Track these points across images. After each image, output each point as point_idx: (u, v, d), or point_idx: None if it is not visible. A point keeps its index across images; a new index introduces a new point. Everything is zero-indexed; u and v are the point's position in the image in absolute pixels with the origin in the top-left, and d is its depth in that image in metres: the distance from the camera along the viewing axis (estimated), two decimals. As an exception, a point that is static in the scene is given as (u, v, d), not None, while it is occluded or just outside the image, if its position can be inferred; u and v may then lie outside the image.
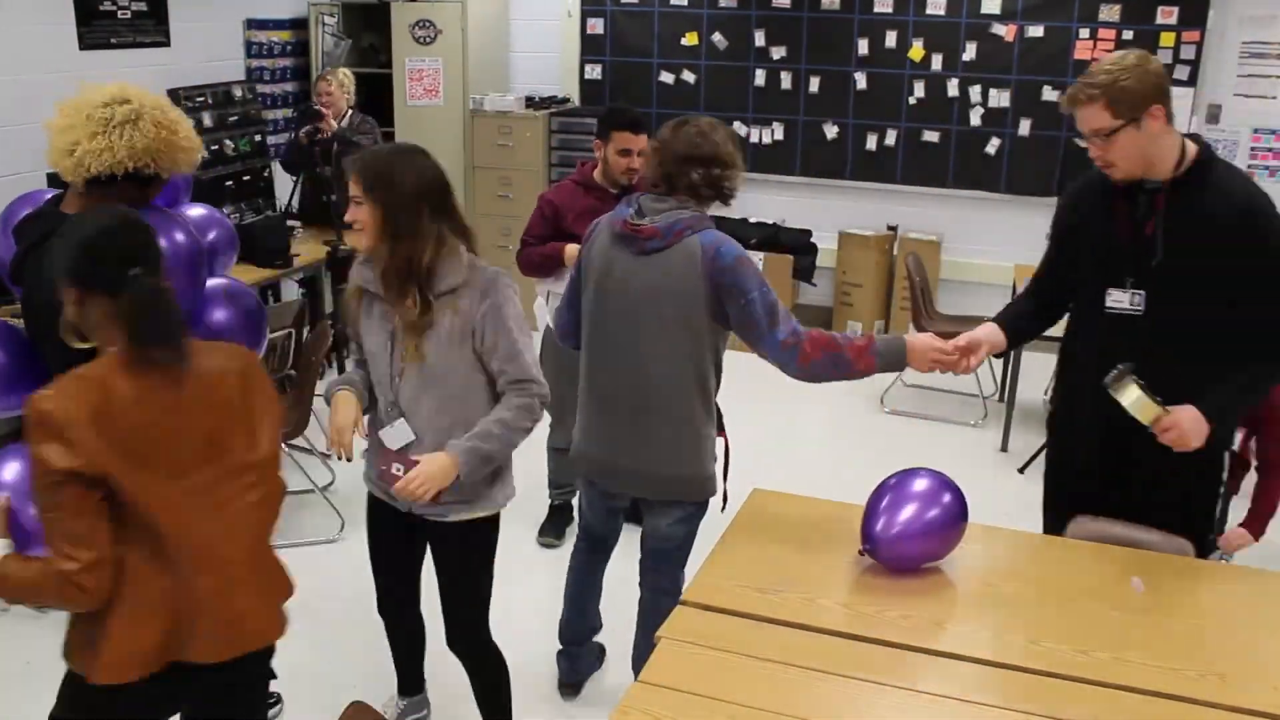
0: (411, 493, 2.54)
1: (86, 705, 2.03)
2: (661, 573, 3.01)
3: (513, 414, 2.57)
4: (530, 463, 4.56)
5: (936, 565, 2.47)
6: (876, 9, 6.47)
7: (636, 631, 3.12)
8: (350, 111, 5.91)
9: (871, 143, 6.70)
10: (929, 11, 6.39)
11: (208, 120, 5.90)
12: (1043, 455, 3.18)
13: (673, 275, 2.70)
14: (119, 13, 5.37)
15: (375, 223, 2.46)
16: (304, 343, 4.52)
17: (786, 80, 6.75)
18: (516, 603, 3.85)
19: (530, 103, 6.86)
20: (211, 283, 2.68)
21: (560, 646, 3.35)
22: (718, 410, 2.96)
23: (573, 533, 4.25)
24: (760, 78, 6.78)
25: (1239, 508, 3.51)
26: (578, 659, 3.36)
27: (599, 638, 3.45)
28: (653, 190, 2.78)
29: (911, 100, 6.56)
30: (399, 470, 2.61)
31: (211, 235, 2.76)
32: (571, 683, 3.37)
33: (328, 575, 3.98)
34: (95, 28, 5.23)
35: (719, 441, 2.98)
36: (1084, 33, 6.19)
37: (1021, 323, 2.99)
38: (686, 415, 2.82)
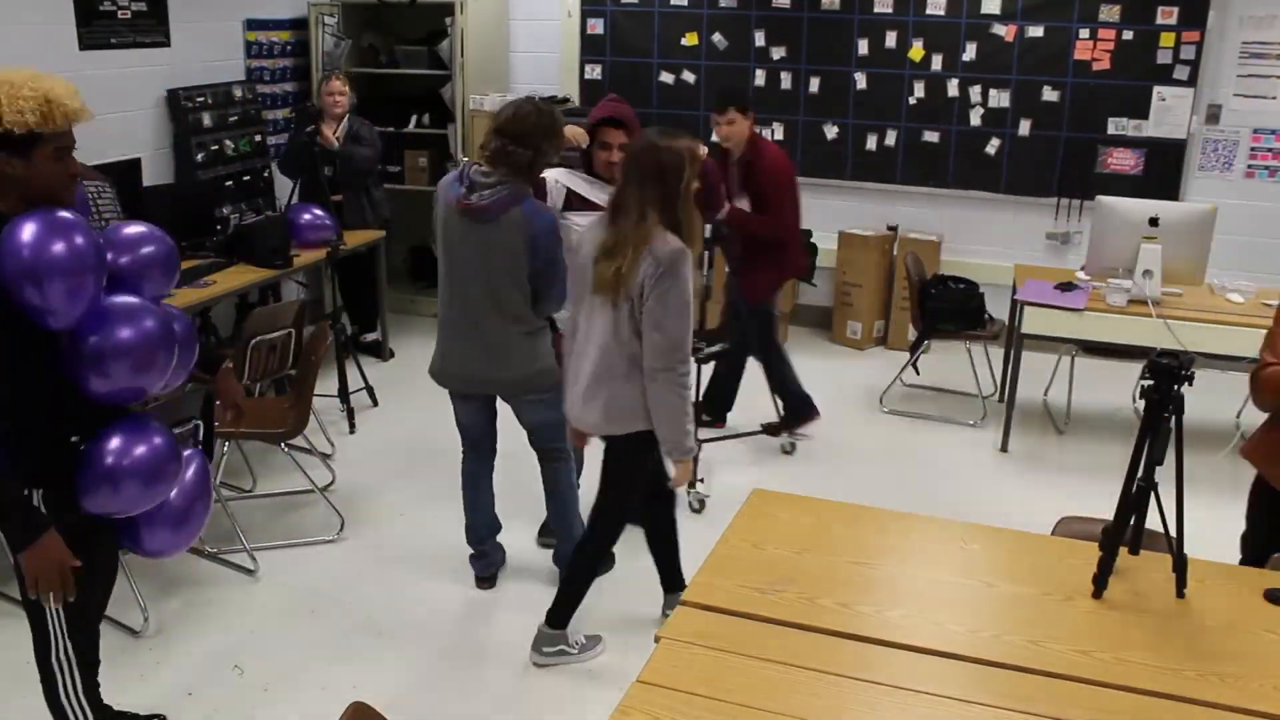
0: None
1: None
2: (544, 440, 3.76)
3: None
4: (529, 465, 4.57)
5: (936, 565, 2.47)
6: (876, 9, 6.47)
7: (546, 502, 3.92)
8: (348, 116, 5.92)
9: (871, 143, 6.70)
10: (929, 11, 6.39)
11: (208, 120, 5.90)
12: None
13: (504, 239, 3.40)
14: (119, 13, 5.37)
15: None
16: (304, 342, 4.52)
17: (786, 80, 6.75)
18: (516, 602, 3.85)
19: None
20: (115, 299, 2.51)
21: (470, 550, 3.94)
22: (551, 323, 3.69)
23: (572, 532, 4.29)
24: (760, 78, 6.79)
25: None
26: (485, 556, 3.96)
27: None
28: (483, 161, 3.43)
29: (911, 100, 6.56)
30: None
31: (140, 253, 2.53)
32: (485, 576, 3.95)
33: (328, 575, 3.98)
34: (95, 28, 5.23)
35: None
36: (1084, 33, 6.19)
37: None
38: (523, 333, 3.54)
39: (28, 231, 2.24)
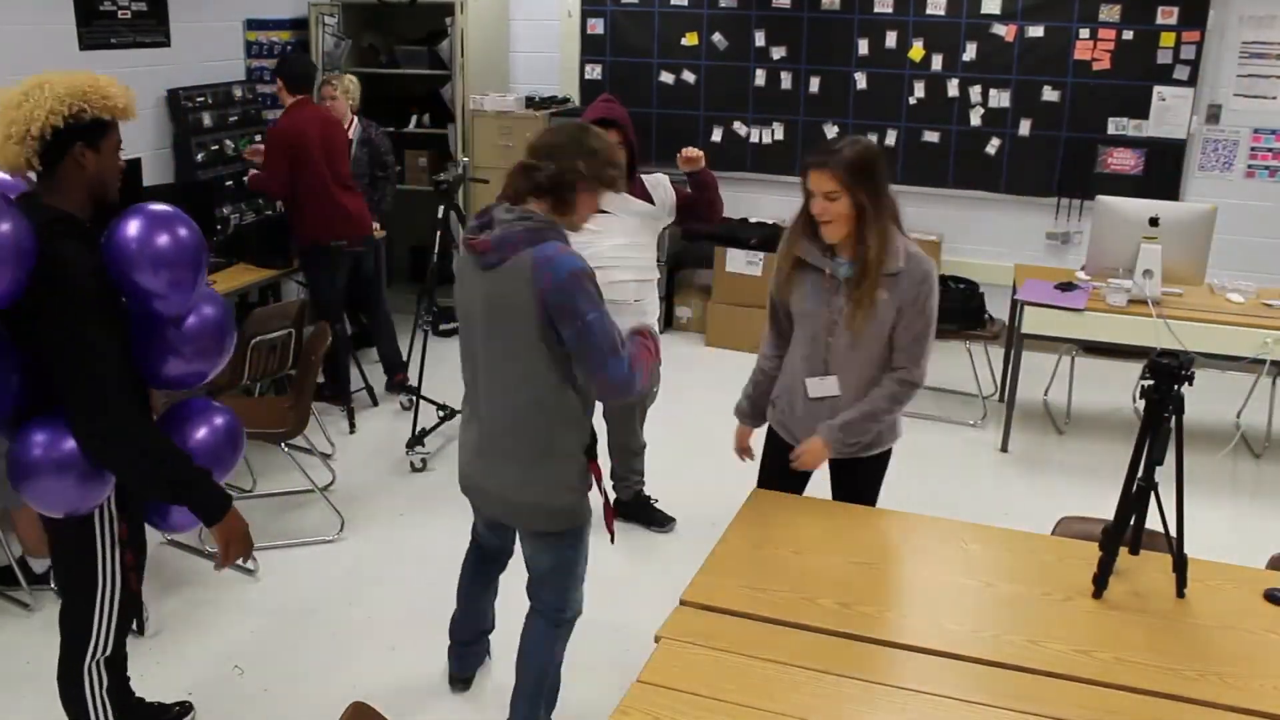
0: (804, 464, 2.92)
1: None
2: (539, 598, 2.91)
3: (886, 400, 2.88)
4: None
5: (936, 565, 2.47)
6: (876, 9, 6.47)
7: (519, 652, 2.98)
8: (355, 119, 5.92)
9: (871, 143, 6.69)
10: (929, 11, 6.39)
11: (208, 120, 5.90)
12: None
13: (507, 293, 2.51)
14: (119, 13, 5.37)
15: (850, 215, 2.78)
16: (304, 341, 4.51)
17: (786, 80, 6.75)
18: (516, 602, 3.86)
19: (530, 103, 6.86)
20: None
21: (450, 642, 3.32)
22: (592, 434, 2.74)
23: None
24: (760, 78, 6.79)
25: None
26: (465, 656, 3.32)
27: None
28: (507, 199, 2.62)
29: (911, 100, 6.56)
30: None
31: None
32: (463, 677, 3.34)
33: (328, 575, 3.98)
34: (95, 28, 5.23)
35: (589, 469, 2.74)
36: (1084, 33, 6.19)
37: None
38: (542, 442, 2.64)
39: (137, 226, 2.34)
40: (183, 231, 2.38)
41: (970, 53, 6.39)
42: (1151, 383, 2.40)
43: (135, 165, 5.25)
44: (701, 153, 3.92)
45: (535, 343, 2.52)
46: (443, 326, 5.28)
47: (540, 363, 2.55)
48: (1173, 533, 2.43)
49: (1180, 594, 2.39)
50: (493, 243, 2.52)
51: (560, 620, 2.89)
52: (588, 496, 2.75)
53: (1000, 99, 6.41)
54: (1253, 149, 6.16)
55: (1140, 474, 2.43)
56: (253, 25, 6.37)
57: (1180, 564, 2.40)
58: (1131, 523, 2.48)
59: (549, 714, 3.02)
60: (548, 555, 2.80)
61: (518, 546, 2.95)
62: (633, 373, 2.54)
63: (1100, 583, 2.39)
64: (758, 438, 3.21)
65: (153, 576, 3.87)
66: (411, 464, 4.87)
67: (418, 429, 4.95)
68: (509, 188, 2.61)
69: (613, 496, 3.47)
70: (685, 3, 6.78)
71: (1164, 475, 2.40)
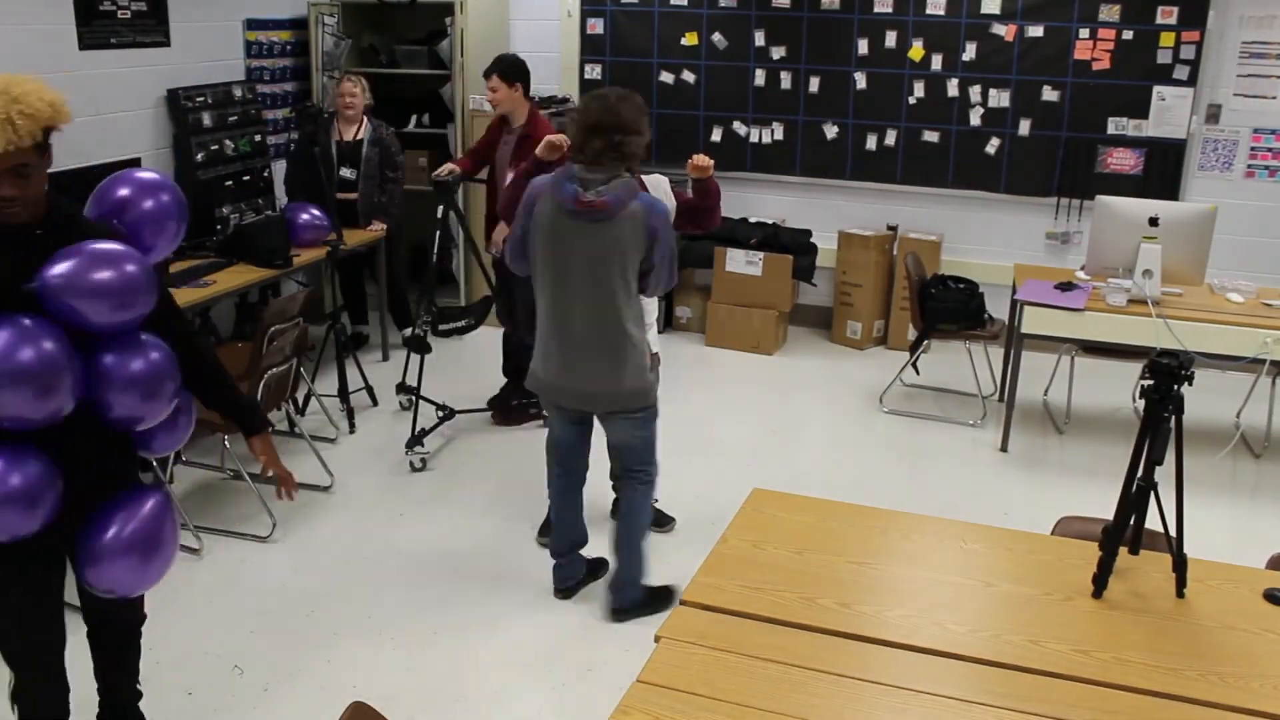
0: None
1: None
2: (636, 469, 3.64)
3: None
4: (530, 465, 4.57)
5: (936, 565, 2.47)
6: (876, 9, 6.47)
7: (617, 524, 3.75)
8: (366, 118, 5.94)
9: (871, 143, 6.70)
10: (929, 11, 6.39)
11: (208, 120, 5.90)
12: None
13: (623, 236, 3.30)
14: (119, 13, 5.37)
15: None
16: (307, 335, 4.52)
17: (786, 80, 6.75)
18: (517, 603, 3.86)
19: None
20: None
21: (553, 561, 3.88)
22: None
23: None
24: (760, 78, 6.79)
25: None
26: (566, 568, 3.87)
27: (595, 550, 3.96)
28: (579, 161, 3.33)
29: (911, 100, 6.56)
30: None
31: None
32: (563, 588, 3.87)
33: (327, 575, 3.98)
34: (95, 28, 5.23)
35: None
36: (1084, 33, 6.19)
37: None
38: (625, 340, 3.42)
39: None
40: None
41: (970, 53, 6.39)
42: (1151, 383, 2.40)
43: (135, 165, 5.25)
44: (711, 161, 3.95)
45: (632, 267, 3.35)
46: (442, 327, 5.28)
47: (630, 282, 3.37)
48: (1172, 533, 2.43)
49: (1180, 594, 2.39)
50: (611, 202, 3.27)
51: (650, 479, 3.68)
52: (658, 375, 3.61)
53: (1000, 99, 6.41)
54: (1252, 149, 6.16)
55: (1140, 474, 2.43)
56: (253, 25, 6.37)
57: (1180, 564, 2.40)
58: (1131, 523, 2.48)
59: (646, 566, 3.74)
60: (639, 430, 3.58)
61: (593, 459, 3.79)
62: (676, 271, 3.50)
63: (1100, 582, 2.39)
64: None
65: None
66: (411, 464, 4.87)
67: (417, 429, 4.95)
68: (586, 152, 3.31)
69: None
70: (685, 3, 6.78)
71: (1164, 475, 2.40)
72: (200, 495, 4.57)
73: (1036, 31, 6.26)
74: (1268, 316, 4.86)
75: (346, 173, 5.95)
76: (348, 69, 6.66)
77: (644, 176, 4.00)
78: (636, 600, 3.70)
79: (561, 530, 3.85)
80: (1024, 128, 6.41)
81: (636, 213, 3.30)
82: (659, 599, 3.72)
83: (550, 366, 3.53)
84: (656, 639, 2.20)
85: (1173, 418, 2.38)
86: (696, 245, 6.76)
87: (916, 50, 6.47)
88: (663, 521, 4.33)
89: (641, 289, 3.45)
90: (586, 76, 7.11)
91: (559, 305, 3.44)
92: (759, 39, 6.72)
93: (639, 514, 3.71)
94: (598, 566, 3.95)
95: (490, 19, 6.94)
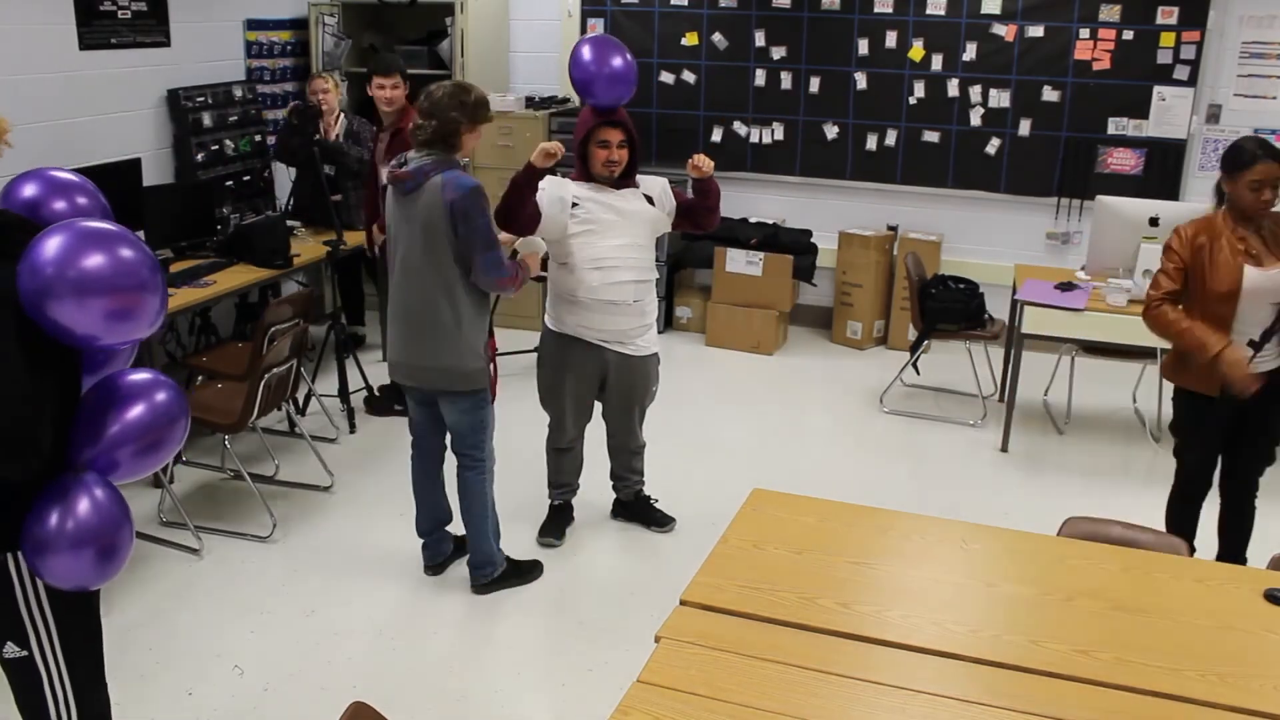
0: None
1: None
2: (464, 452, 3.71)
3: None
4: (530, 464, 4.57)
5: (936, 565, 2.47)
6: (876, 9, 6.47)
7: (460, 503, 3.80)
8: (341, 115, 5.93)
9: (871, 143, 6.70)
10: (929, 11, 6.39)
11: (208, 120, 5.90)
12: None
13: (429, 208, 3.40)
14: (119, 13, 5.37)
15: None
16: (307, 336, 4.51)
17: (786, 80, 6.75)
18: (517, 604, 3.85)
19: (530, 103, 6.86)
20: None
21: (420, 540, 3.98)
22: (492, 322, 3.69)
23: (573, 532, 4.28)
24: (760, 78, 6.78)
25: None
26: (431, 545, 3.97)
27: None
28: (416, 144, 3.50)
29: (911, 100, 6.56)
30: None
31: None
32: (431, 565, 3.98)
33: (327, 575, 3.98)
34: (95, 28, 5.23)
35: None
36: (1084, 33, 6.19)
37: None
38: (453, 321, 3.48)
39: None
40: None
41: (970, 53, 6.39)
42: None
43: (135, 165, 5.25)
44: (712, 162, 3.94)
45: (444, 241, 3.41)
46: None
47: (447, 256, 3.42)
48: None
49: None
50: (414, 172, 3.42)
51: (479, 465, 3.71)
52: (489, 365, 3.63)
53: (1000, 99, 6.41)
54: (1253, 149, 6.15)
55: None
56: (253, 25, 6.37)
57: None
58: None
59: (498, 542, 3.86)
60: (466, 414, 3.63)
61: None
62: (501, 269, 3.45)
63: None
64: None
65: (150, 575, 3.87)
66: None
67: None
68: (411, 144, 3.50)
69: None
70: (685, 3, 6.78)
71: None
72: (200, 495, 4.57)
73: (1037, 31, 6.26)
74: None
75: (328, 170, 5.90)
76: (348, 69, 6.67)
77: (644, 177, 4.02)
78: (493, 576, 3.84)
79: (423, 510, 3.93)
80: (1024, 128, 6.41)
81: (436, 185, 3.39)
82: (522, 572, 3.91)
83: (394, 344, 3.66)
84: (657, 639, 2.20)
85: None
86: (696, 245, 6.76)
87: (917, 50, 6.47)
88: (663, 521, 4.33)
89: (473, 280, 3.48)
90: (586, 76, 7.10)
91: (395, 281, 3.58)
92: (759, 39, 6.72)
93: (474, 497, 3.76)
94: (464, 543, 3.97)
95: (490, 19, 6.94)
